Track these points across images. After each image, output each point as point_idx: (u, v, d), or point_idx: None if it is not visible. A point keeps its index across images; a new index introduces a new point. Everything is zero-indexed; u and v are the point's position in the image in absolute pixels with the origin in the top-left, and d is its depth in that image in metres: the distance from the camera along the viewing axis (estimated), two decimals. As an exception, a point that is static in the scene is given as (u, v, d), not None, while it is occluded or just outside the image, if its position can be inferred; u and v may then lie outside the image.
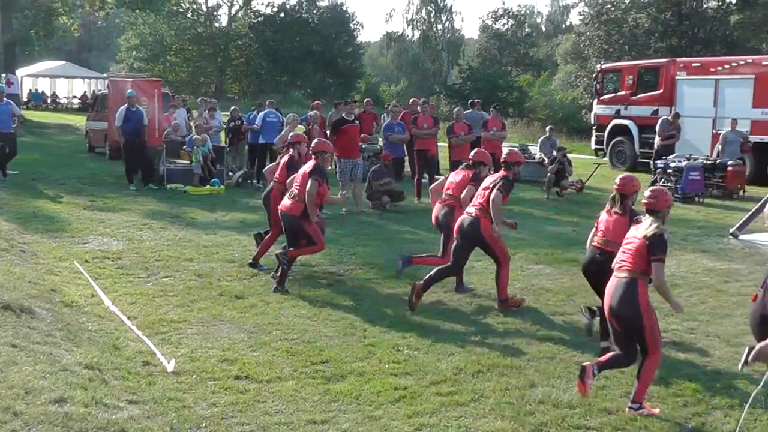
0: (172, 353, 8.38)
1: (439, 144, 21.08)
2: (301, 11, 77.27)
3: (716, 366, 8.53)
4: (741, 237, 15.39)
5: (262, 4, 79.10)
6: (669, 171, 21.88)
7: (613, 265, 7.66)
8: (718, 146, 23.70)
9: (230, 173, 22.46)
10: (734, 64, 26.36)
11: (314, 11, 77.49)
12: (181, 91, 54.14)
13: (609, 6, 52.80)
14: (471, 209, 10.66)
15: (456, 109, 22.19)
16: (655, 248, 7.31)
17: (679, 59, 29.77)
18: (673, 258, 13.58)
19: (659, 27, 51.09)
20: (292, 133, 17.24)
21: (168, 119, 23.44)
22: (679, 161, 22.14)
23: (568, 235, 15.91)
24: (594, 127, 31.67)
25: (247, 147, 22.85)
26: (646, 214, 7.64)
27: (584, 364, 7.47)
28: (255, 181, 21.72)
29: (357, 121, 18.77)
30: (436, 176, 18.05)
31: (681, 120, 25.15)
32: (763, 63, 25.71)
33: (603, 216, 8.92)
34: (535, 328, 9.73)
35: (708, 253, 14.47)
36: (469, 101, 25.82)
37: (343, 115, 18.70)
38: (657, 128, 24.50)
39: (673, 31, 50.97)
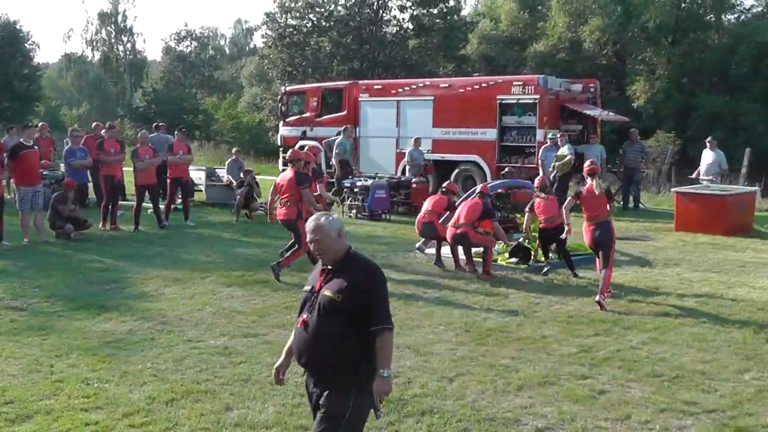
0: None
1: (124, 169, 20.62)
2: (-31, 30, 73.01)
3: (407, 375, 8.78)
4: (426, 251, 16.06)
5: None
6: (356, 190, 22.54)
7: (588, 216, 12.36)
8: (404, 164, 24.63)
9: None
10: (414, 86, 27.49)
11: (-16, 29, 73.39)
12: None
13: (291, 30, 53.64)
14: (459, 226, 14.55)
15: (141, 133, 21.78)
16: (610, 195, 12.67)
17: (361, 81, 30.73)
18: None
19: (341, 50, 52.68)
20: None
21: None
22: (365, 180, 22.87)
23: (259, 256, 15.98)
24: (281, 149, 31.84)
25: None
26: (589, 178, 12.47)
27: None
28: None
29: (36, 147, 18.04)
30: (121, 201, 17.60)
31: (366, 140, 26.18)
32: (441, 85, 27.03)
33: (539, 205, 14.37)
34: (228, 351, 9.67)
35: (396, 268, 14.99)
36: (154, 124, 25.42)
37: (22, 140, 17.90)
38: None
39: (354, 55, 52.74)
